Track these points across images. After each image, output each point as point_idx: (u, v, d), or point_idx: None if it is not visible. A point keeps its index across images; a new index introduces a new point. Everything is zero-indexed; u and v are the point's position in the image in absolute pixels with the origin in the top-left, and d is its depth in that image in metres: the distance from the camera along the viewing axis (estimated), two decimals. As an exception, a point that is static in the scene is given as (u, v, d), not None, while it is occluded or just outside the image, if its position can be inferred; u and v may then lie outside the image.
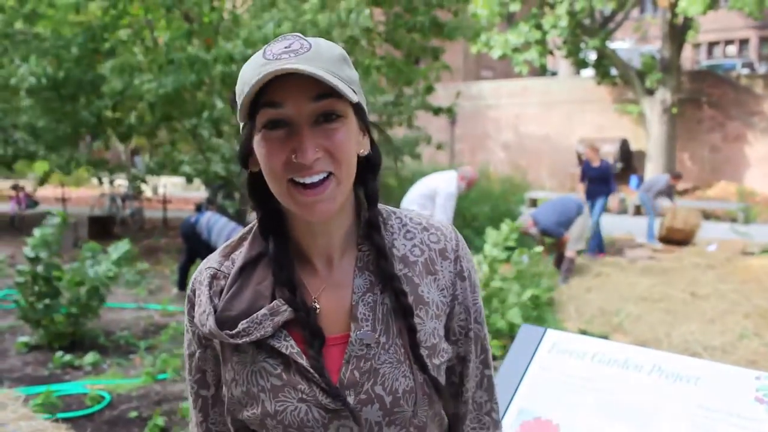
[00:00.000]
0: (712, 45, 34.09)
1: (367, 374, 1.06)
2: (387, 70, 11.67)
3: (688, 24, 17.89)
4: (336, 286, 1.11)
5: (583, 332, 6.02)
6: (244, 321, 1.05)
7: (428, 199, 7.81)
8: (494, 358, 5.56)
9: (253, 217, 1.17)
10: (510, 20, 19.34)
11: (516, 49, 18.38)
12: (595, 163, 10.70)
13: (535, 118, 22.58)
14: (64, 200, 17.19)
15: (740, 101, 19.48)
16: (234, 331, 1.05)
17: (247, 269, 1.10)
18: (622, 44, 24.77)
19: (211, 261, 1.14)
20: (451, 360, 1.17)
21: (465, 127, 23.30)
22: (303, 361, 1.05)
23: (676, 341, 6.21)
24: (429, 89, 12.36)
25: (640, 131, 20.10)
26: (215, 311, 1.07)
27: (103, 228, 13.15)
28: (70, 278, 5.80)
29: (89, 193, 20.69)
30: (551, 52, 19.27)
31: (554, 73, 26.75)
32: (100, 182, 13.58)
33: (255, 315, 1.05)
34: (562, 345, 1.87)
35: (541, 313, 6.03)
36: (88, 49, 10.33)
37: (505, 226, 5.78)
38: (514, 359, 1.90)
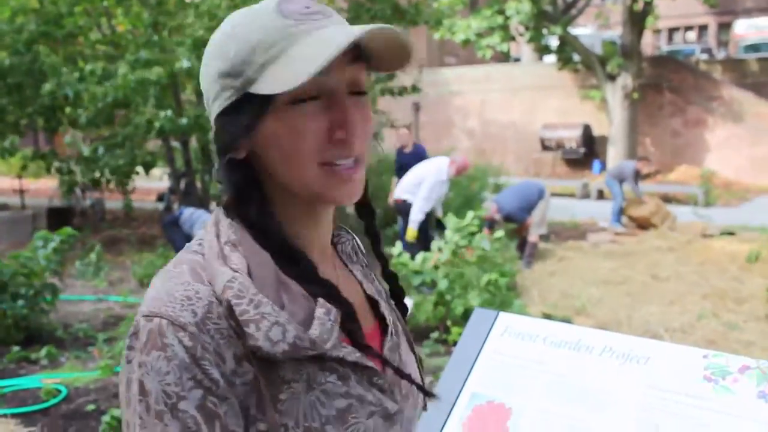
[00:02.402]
0: (672, 31, 34.53)
1: (401, 366, 0.96)
2: None
3: (647, 10, 18.04)
4: (344, 278, 0.98)
5: (547, 316, 6.06)
6: (315, 325, 0.83)
7: (418, 187, 7.87)
8: (454, 344, 5.57)
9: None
10: (473, 6, 19.36)
11: (479, 35, 18.40)
12: (408, 149, 9.08)
13: (499, 104, 22.67)
14: (21, 192, 16.81)
15: (700, 86, 19.75)
16: (313, 340, 0.83)
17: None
18: (584, 30, 24.93)
19: (224, 273, 0.83)
20: None
21: (429, 114, 23.31)
22: (372, 365, 0.88)
23: (637, 323, 6.29)
24: (391, 75, 12.30)
25: (602, 116, 20.28)
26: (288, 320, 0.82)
27: (62, 219, 12.89)
28: (16, 270, 5.65)
29: (49, 184, 20.29)
30: (514, 38, 19.33)
31: (517, 60, 26.86)
32: (48, 172, 13.14)
33: (319, 316, 0.84)
34: (515, 328, 1.86)
35: (504, 298, 6.06)
36: (40, 32, 10.06)
37: (470, 213, 5.78)
38: (467, 343, 1.89)
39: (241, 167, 0.88)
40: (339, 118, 0.85)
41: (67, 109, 9.84)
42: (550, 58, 21.98)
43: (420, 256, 6.19)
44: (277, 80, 0.81)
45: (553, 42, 20.00)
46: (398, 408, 0.91)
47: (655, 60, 21.46)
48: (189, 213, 8.47)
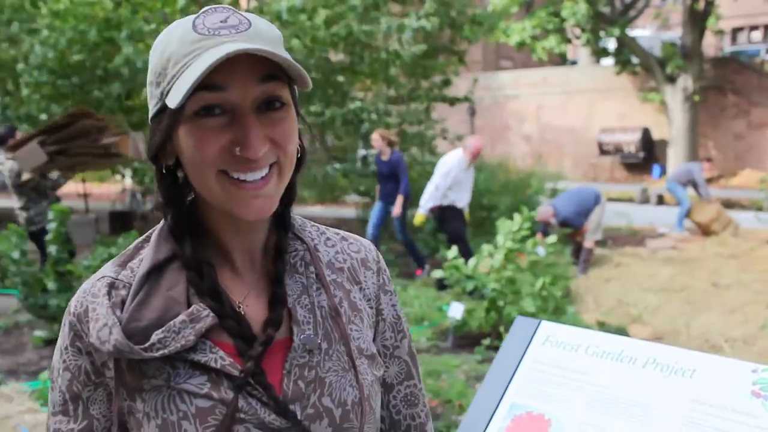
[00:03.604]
0: (736, 31, 33.53)
1: (312, 384, 0.94)
2: (404, 63, 11.63)
3: (709, 10, 17.60)
4: (263, 289, 0.99)
5: (601, 324, 5.95)
6: (159, 331, 0.87)
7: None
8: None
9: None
10: (528, 9, 19.18)
11: (534, 37, 18.22)
12: (385, 156, 8.44)
13: (556, 108, 22.39)
14: (86, 196, 17.30)
15: (764, 87, 19.16)
16: (147, 344, 0.86)
17: (153, 275, 0.93)
18: (642, 32, 24.46)
19: (105, 271, 0.95)
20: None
21: (485, 119, 23.16)
22: (239, 374, 0.90)
23: (696, 332, 6.12)
24: (446, 82, 12.28)
25: (662, 119, 19.85)
26: (120, 323, 0.88)
27: (123, 223, 13.20)
28: (83, 272, 5.84)
29: (112, 188, 20.85)
30: (570, 41, 19.06)
31: (574, 63, 26.49)
32: (113, 174, 13.49)
33: (171, 323, 0.88)
34: (557, 337, 1.82)
35: (558, 304, 5.97)
36: (104, 38, 10.33)
37: (518, 216, 5.70)
38: (508, 352, 1.86)
39: (169, 173, 0.95)
40: (239, 136, 0.87)
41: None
42: (608, 61, 21.61)
43: (472, 260, 6.15)
44: (177, 94, 0.84)
45: (611, 44, 19.67)
46: (288, 425, 0.91)
47: (718, 61, 20.91)
48: None
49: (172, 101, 0.84)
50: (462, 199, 8.05)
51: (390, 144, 8.41)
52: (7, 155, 7.08)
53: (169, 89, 0.86)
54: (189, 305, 0.91)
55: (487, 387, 1.84)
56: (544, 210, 8.68)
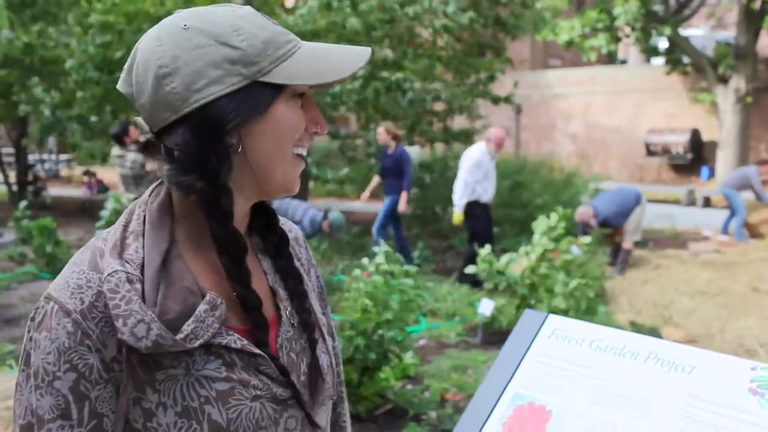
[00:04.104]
0: (794, 32, 32.64)
1: (300, 355, 1.05)
2: (448, 60, 11.62)
3: (765, 9, 17.15)
4: (253, 268, 1.02)
5: (633, 324, 5.90)
6: (189, 321, 0.89)
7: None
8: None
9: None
10: (579, 7, 18.95)
11: (583, 36, 17.98)
12: (390, 150, 8.52)
13: (604, 107, 22.09)
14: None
15: (821, 90, 18.61)
16: (182, 336, 0.88)
17: (162, 266, 0.93)
18: (696, 31, 23.96)
19: (111, 265, 0.91)
20: None
21: (531, 117, 22.98)
22: (259, 352, 0.96)
23: (731, 336, 6.02)
24: (491, 78, 12.24)
25: (712, 121, 19.43)
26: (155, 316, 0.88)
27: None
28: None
29: (159, 178, 21.25)
30: (620, 40, 18.76)
31: (624, 62, 26.09)
32: None
33: (197, 312, 0.90)
34: (563, 331, 1.84)
35: (590, 303, 5.92)
36: None
37: (554, 215, 5.67)
38: (514, 344, 1.88)
39: (230, 156, 0.94)
40: (315, 117, 1.00)
41: None
42: (658, 60, 21.22)
43: (504, 257, 6.14)
44: (302, 75, 0.93)
45: (662, 43, 19.32)
46: (291, 394, 1.00)
47: (773, 62, 20.37)
48: (277, 202, 8.52)
49: (305, 79, 0.93)
50: (487, 193, 8.02)
51: (395, 138, 8.52)
52: (130, 147, 7.30)
53: (271, 69, 0.92)
54: (201, 293, 0.94)
55: (491, 377, 1.87)
56: (584, 211, 8.59)
